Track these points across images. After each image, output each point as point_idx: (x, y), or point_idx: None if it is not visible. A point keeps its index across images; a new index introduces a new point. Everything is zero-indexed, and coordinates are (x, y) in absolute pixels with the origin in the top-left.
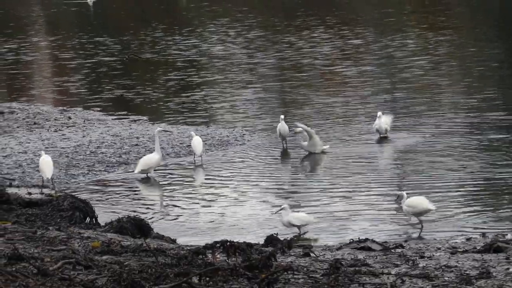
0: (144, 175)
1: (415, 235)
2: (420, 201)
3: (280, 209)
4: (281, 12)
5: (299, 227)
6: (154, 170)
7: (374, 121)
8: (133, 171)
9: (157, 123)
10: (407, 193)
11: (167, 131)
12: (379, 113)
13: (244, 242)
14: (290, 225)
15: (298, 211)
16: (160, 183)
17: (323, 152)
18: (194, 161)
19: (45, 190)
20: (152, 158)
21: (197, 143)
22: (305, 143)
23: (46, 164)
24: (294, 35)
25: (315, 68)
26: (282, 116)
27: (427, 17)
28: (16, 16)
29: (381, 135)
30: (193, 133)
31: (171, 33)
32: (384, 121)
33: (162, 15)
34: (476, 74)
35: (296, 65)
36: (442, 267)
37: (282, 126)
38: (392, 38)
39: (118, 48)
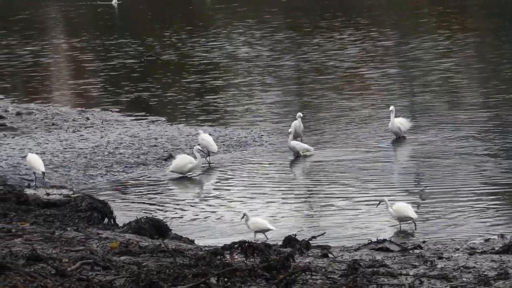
0: (175, 176)
1: (433, 236)
2: (403, 208)
3: (243, 216)
4: (310, 14)
5: (255, 233)
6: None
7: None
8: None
9: (175, 123)
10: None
11: (202, 150)
12: (391, 107)
13: (262, 242)
14: (251, 230)
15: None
16: (179, 183)
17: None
18: (209, 161)
19: (64, 191)
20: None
21: (209, 139)
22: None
23: (36, 159)
24: (322, 36)
25: (339, 71)
26: (300, 114)
27: (456, 18)
28: (41, 18)
29: (397, 136)
30: (201, 131)
31: (196, 35)
32: (398, 121)
33: (188, 16)
34: (505, 77)
35: (320, 68)
36: (461, 268)
37: (299, 124)
38: (421, 39)
39: (141, 49)
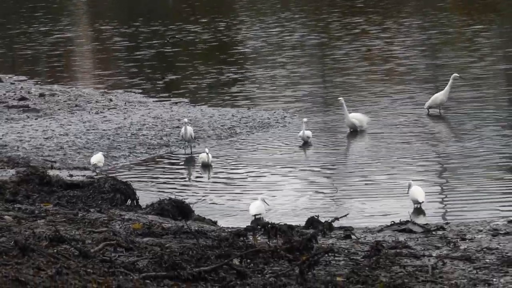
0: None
1: (456, 217)
2: (414, 191)
3: (265, 202)
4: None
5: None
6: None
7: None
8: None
9: (198, 105)
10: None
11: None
12: (341, 100)
13: (285, 224)
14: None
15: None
16: (201, 165)
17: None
18: (191, 148)
19: (87, 172)
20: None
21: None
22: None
23: None
24: (395, 22)
25: (393, 60)
26: (305, 119)
27: None
28: (94, 3)
29: (354, 130)
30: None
31: (250, 22)
32: (353, 116)
33: (251, 4)
34: None
35: (376, 56)
36: (484, 249)
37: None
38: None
39: (183, 36)
